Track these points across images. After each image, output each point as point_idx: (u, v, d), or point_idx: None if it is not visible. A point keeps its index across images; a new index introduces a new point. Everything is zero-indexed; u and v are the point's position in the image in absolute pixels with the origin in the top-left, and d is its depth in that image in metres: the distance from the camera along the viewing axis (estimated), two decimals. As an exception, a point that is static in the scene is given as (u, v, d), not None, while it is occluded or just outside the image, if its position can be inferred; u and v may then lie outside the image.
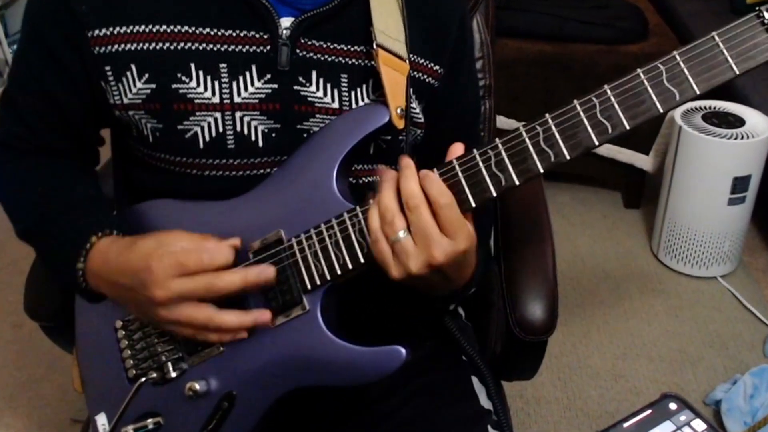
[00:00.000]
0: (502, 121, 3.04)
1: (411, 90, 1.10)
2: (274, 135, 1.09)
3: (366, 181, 1.15)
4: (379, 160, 1.15)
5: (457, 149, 0.99)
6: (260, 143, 1.09)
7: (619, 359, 2.51)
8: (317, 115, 1.10)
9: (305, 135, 1.10)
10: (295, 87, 1.09)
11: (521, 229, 1.48)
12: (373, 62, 1.09)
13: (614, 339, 2.59)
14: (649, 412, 0.85)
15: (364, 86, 1.12)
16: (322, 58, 1.09)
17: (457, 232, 0.94)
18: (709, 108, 2.81)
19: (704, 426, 0.84)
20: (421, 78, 1.15)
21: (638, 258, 2.99)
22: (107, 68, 1.06)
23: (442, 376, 1.25)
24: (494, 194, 0.96)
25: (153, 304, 0.99)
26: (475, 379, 1.27)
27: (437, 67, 1.16)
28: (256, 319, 1.01)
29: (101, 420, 1.16)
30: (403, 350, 0.99)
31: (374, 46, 1.07)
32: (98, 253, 1.05)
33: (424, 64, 1.15)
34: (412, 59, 1.12)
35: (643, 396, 2.37)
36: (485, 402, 1.25)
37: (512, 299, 1.33)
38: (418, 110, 1.15)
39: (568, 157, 0.93)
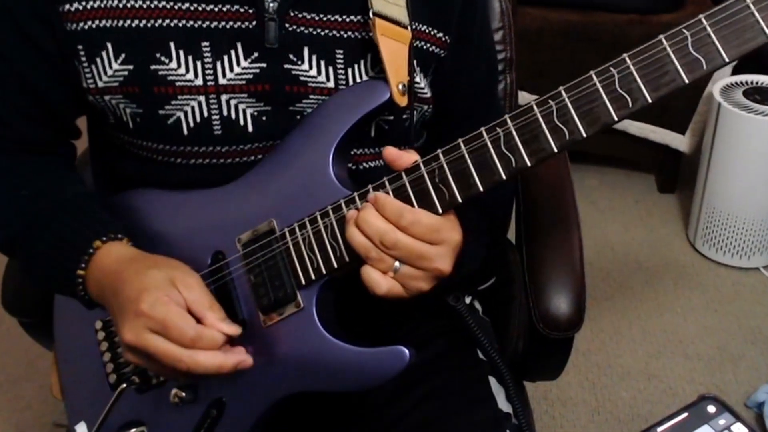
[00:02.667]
0: (525, 97, 3.03)
1: (414, 62, 1.09)
2: (264, 118, 1.09)
3: (369, 166, 1.15)
4: (382, 143, 1.13)
5: (391, 154, 1.00)
6: (249, 128, 1.09)
7: (652, 358, 2.51)
8: (311, 96, 1.09)
9: (298, 117, 1.09)
10: (286, 66, 1.08)
11: (545, 215, 1.49)
12: (371, 34, 1.08)
13: (647, 335, 2.59)
14: (685, 415, 0.85)
15: (362, 61, 1.11)
16: (314, 33, 1.08)
17: (441, 235, 0.96)
18: (751, 83, 2.79)
19: (745, 430, 0.83)
20: (426, 47, 1.14)
21: (673, 247, 2.98)
22: (80, 47, 1.06)
23: (456, 377, 1.25)
24: (504, 177, 0.95)
25: (122, 340, 0.98)
26: (493, 380, 1.27)
27: (442, 35, 1.15)
28: (238, 363, 1.00)
29: (81, 429, 1.17)
30: (407, 351, 0.99)
31: (370, 15, 1.06)
32: (105, 260, 1.04)
33: (428, 31, 1.14)
34: (415, 27, 1.11)
35: (679, 398, 2.36)
36: (504, 405, 1.24)
37: (535, 292, 1.33)
38: (423, 84, 1.14)
39: (584, 135, 0.91)
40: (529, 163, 0.93)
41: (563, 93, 0.92)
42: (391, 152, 1.00)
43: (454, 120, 1.23)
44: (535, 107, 0.93)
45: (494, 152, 0.94)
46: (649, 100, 0.90)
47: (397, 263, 0.96)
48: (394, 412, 1.20)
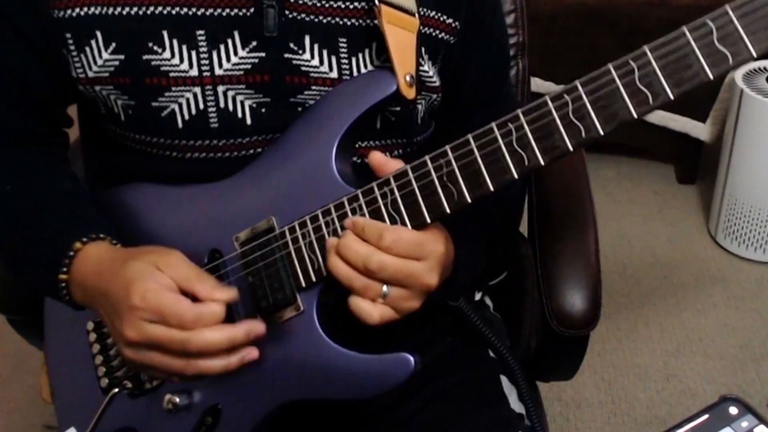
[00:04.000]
0: (538, 84, 3.03)
1: (422, 49, 1.09)
2: (263, 111, 1.08)
3: None
4: (388, 135, 1.14)
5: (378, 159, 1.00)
6: (248, 120, 1.08)
7: (671, 357, 2.51)
8: (313, 87, 1.09)
9: (300, 109, 1.09)
10: (286, 55, 1.07)
11: (559, 207, 1.48)
12: (376, 21, 1.07)
13: (666, 333, 2.59)
14: (705, 417, 0.84)
15: (367, 50, 1.10)
16: (316, 20, 1.07)
17: (425, 249, 0.98)
18: (776, 68, 2.79)
19: (769, 433, 0.82)
20: (434, 34, 1.13)
21: (693, 240, 2.98)
22: (68, 35, 1.05)
23: (466, 377, 1.25)
24: (515, 176, 0.94)
25: (123, 341, 0.98)
26: (504, 380, 1.27)
27: (452, 21, 1.14)
28: (248, 332, 0.99)
29: None
30: (412, 358, 0.99)
31: (376, 2, 1.05)
32: (85, 262, 1.03)
33: (437, 17, 1.13)
34: (423, 13, 1.11)
35: (699, 399, 2.37)
36: (516, 405, 1.25)
37: (549, 288, 1.32)
38: (431, 73, 1.13)
39: (601, 132, 0.90)
40: (542, 162, 0.92)
41: (579, 87, 0.91)
42: (377, 157, 1.00)
43: (465, 108, 1.23)
44: (549, 102, 0.92)
45: (506, 149, 0.93)
46: (671, 97, 0.88)
47: (385, 287, 0.96)
48: (401, 414, 1.20)
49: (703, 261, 2.87)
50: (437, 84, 1.15)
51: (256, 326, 1.00)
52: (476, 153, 0.95)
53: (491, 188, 0.94)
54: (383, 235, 0.95)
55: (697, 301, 2.70)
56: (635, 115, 0.90)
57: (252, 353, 1.00)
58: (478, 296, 1.40)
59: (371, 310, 0.97)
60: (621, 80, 0.89)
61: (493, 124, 0.94)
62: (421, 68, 1.10)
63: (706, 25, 0.87)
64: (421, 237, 0.98)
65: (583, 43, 3.06)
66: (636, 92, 0.89)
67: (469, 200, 0.95)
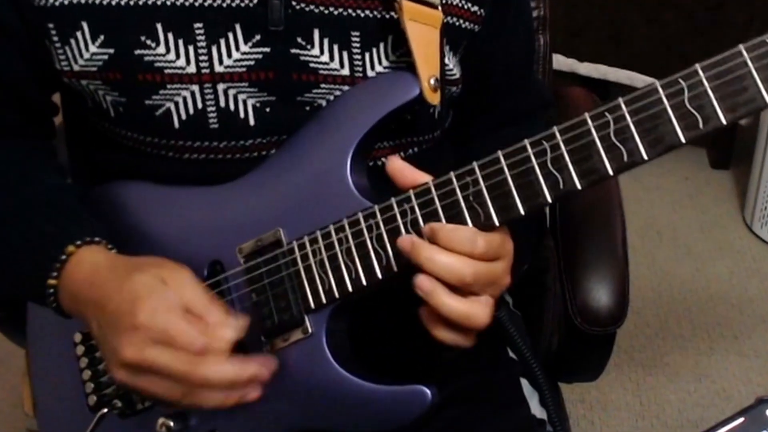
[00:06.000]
0: (560, 62, 3.03)
1: (444, 40, 1.08)
2: (267, 110, 1.07)
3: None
4: (404, 134, 1.13)
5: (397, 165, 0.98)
6: (251, 121, 1.07)
7: (703, 355, 2.51)
8: (322, 85, 1.07)
9: (308, 109, 1.08)
10: (293, 50, 1.06)
11: (583, 195, 1.47)
12: (392, 13, 1.06)
13: (698, 330, 2.59)
14: (741, 420, 0.83)
15: (382, 45, 1.08)
16: (326, 12, 1.06)
17: (505, 248, 0.96)
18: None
19: (809, 436, 0.83)
20: (458, 24, 1.12)
21: (728, 230, 2.98)
22: (50, 25, 1.04)
23: (483, 379, 1.25)
24: (549, 200, 0.92)
25: (117, 360, 0.95)
26: (525, 382, 1.27)
27: (477, 8, 1.13)
28: (243, 397, 0.97)
29: None
30: (428, 391, 0.98)
31: None
32: (78, 268, 1.01)
33: (460, 5, 1.12)
34: (445, 1, 1.09)
35: (734, 401, 2.37)
36: (537, 410, 1.25)
37: (572, 282, 1.32)
38: (452, 65, 1.12)
39: (645, 158, 0.88)
40: (579, 186, 0.91)
41: (623, 105, 0.88)
42: (395, 163, 0.98)
43: (490, 98, 1.23)
44: (588, 120, 0.90)
45: (539, 170, 0.92)
46: (724, 122, 0.86)
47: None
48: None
49: (738, 251, 2.88)
50: (457, 76, 1.14)
51: (268, 363, 0.99)
52: (506, 172, 0.93)
53: (521, 212, 0.93)
54: (476, 242, 0.93)
55: (731, 295, 2.70)
56: (683, 140, 0.87)
57: (253, 394, 0.98)
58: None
59: (479, 309, 0.95)
60: (669, 101, 0.87)
61: (526, 142, 0.92)
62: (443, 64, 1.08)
63: (765, 44, 0.84)
64: (501, 236, 0.96)
65: (607, 18, 3.05)
66: (685, 114, 0.86)
67: (497, 223, 0.94)
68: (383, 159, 1.12)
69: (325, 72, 1.07)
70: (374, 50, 1.08)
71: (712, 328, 2.59)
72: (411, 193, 0.96)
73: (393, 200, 0.97)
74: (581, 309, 1.28)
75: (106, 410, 1.10)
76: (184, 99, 1.05)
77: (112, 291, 0.96)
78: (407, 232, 0.96)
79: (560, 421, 1.25)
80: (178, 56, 1.04)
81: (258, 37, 1.05)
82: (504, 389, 1.25)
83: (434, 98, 1.03)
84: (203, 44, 1.04)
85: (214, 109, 1.06)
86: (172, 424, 1.05)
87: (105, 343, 0.98)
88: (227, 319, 0.96)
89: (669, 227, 2.98)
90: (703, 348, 2.53)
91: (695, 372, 2.46)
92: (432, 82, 1.02)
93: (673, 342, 2.55)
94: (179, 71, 1.04)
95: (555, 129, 0.91)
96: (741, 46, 0.85)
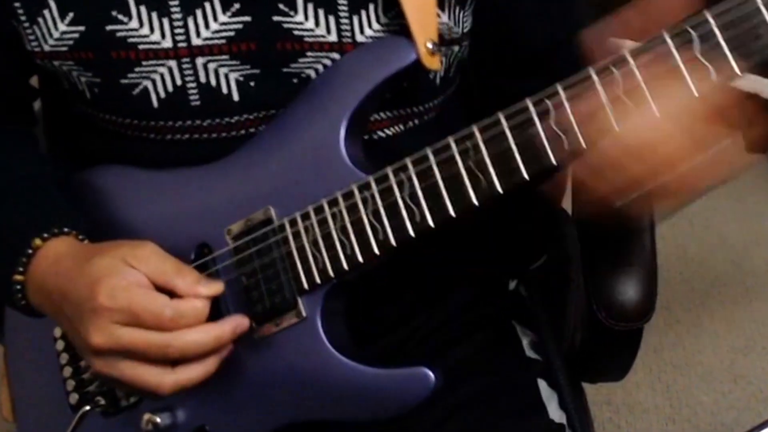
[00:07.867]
0: None
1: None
2: (252, 84, 1.07)
3: (385, 135, 1.13)
4: (402, 104, 1.12)
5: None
6: (234, 96, 1.07)
7: (739, 354, 2.51)
8: (308, 54, 1.07)
9: (295, 81, 1.08)
10: (275, 18, 1.05)
11: (608, 180, 1.46)
12: None
13: (733, 328, 2.60)
14: (778, 424, 0.85)
15: (372, 7, 1.07)
16: None
17: None
18: None
19: None
20: None
21: (764, 219, 2.98)
22: (17, 5, 1.05)
23: (497, 380, 1.25)
24: (554, 162, 0.92)
25: (89, 349, 0.96)
26: (543, 384, 1.27)
27: None
28: (236, 328, 1.00)
29: None
30: (431, 374, 0.99)
31: None
32: (45, 261, 1.02)
33: None
34: None
35: (771, 403, 2.34)
36: (557, 413, 1.25)
37: (596, 274, 1.31)
38: (451, 23, 1.10)
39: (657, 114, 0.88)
40: (584, 146, 0.90)
41: (628, 57, 0.88)
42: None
43: (525, 59, 1.20)
44: (593, 74, 0.89)
45: (542, 129, 0.92)
46: (738, 72, 0.87)
47: None
48: (425, 423, 1.18)
49: (777, 243, 2.85)
50: (459, 34, 1.12)
51: (241, 321, 1.00)
52: (507, 132, 0.93)
53: (525, 176, 0.93)
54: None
55: (769, 290, 2.67)
56: (696, 94, 0.88)
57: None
58: (512, 285, 1.42)
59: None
60: (677, 48, 0.87)
61: (528, 100, 0.92)
62: (439, 20, 1.07)
63: None
64: None
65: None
66: (696, 67, 0.87)
67: (501, 191, 0.94)
68: (380, 132, 1.12)
69: (311, 39, 1.06)
70: (363, 13, 1.07)
71: (748, 326, 2.60)
72: (407, 160, 0.97)
73: (389, 170, 0.98)
74: (606, 303, 1.28)
75: (88, 408, 1.11)
76: (162, 76, 1.06)
77: (73, 278, 0.98)
78: (405, 205, 0.97)
79: (581, 425, 1.27)
80: (152, 30, 1.04)
81: (237, 5, 1.05)
82: (520, 393, 1.25)
83: (433, 62, 1.02)
84: (178, 16, 1.04)
85: (194, 85, 1.06)
86: (158, 420, 1.06)
87: (75, 335, 0.99)
88: (199, 283, 0.99)
89: (701, 216, 2.98)
90: (739, 346, 2.53)
91: (730, 372, 2.46)
92: (429, 45, 1.02)
93: (707, 340, 2.56)
94: (154, 46, 1.05)
95: (558, 86, 0.91)
96: None
